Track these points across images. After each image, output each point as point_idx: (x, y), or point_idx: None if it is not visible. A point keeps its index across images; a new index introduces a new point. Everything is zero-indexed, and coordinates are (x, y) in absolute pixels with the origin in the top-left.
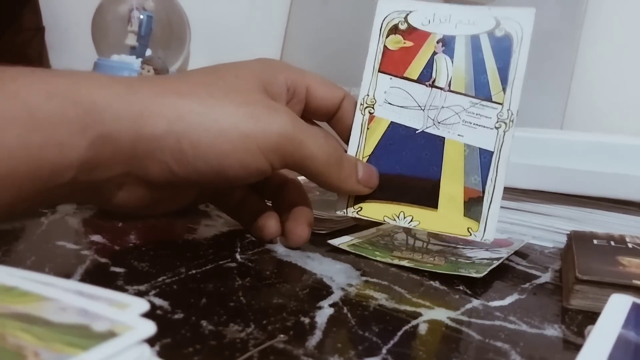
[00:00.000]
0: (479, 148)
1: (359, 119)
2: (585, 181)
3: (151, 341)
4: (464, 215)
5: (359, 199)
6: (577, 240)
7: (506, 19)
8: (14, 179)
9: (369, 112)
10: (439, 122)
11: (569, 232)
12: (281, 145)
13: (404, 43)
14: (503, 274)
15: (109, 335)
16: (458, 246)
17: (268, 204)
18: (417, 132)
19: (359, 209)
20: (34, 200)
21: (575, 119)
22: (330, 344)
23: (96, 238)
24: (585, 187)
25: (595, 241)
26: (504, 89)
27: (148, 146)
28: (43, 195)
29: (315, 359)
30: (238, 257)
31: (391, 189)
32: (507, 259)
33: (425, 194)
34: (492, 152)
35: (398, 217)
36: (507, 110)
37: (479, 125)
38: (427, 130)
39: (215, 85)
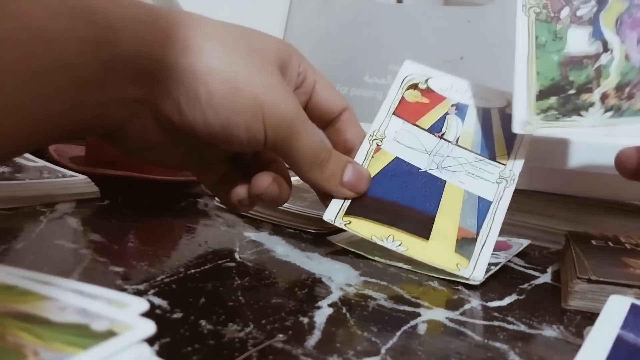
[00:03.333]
0: (478, 196)
1: (365, 147)
2: (584, 183)
3: (150, 340)
4: (455, 251)
5: (351, 213)
6: (575, 240)
7: None
8: (18, 102)
9: (377, 144)
10: (442, 168)
11: (565, 233)
12: (280, 126)
13: (421, 99)
14: (502, 274)
15: (109, 334)
16: None
17: None
18: (419, 170)
19: (348, 222)
20: (42, 129)
21: None
22: (329, 343)
23: (95, 237)
24: (583, 189)
25: (593, 242)
26: (508, 154)
27: (164, 77)
28: (52, 123)
29: (314, 358)
30: (237, 256)
31: (385, 212)
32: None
33: (419, 225)
34: (491, 202)
35: (387, 239)
36: (510, 170)
37: (481, 178)
38: (430, 172)
39: (240, 41)
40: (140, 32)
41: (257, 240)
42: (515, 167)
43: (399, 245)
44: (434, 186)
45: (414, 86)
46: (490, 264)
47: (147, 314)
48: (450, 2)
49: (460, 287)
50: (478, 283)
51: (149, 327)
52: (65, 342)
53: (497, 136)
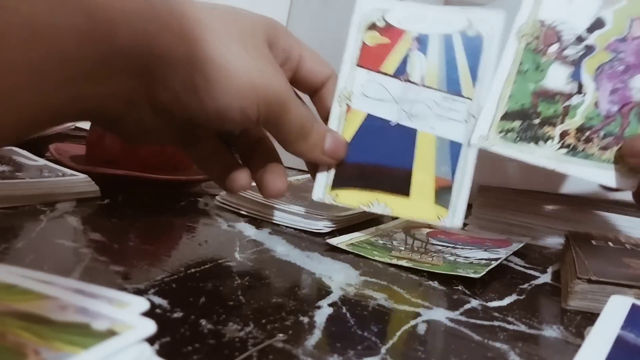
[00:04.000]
0: (450, 140)
1: (336, 110)
2: (584, 183)
3: (151, 340)
4: (435, 203)
5: (336, 186)
6: (575, 240)
7: (478, 20)
8: (15, 94)
9: (347, 104)
10: (412, 115)
11: (565, 233)
12: (272, 103)
13: (382, 39)
14: (502, 274)
15: (109, 334)
16: (457, 246)
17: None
18: (391, 124)
19: (336, 195)
20: (39, 120)
21: None
22: (329, 343)
23: (95, 236)
24: (583, 189)
25: (593, 242)
26: (474, 84)
27: (161, 67)
28: (49, 114)
29: (314, 358)
30: (237, 256)
31: (367, 177)
32: (505, 259)
33: (399, 183)
34: (462, 145)
35: (372, 204)
36: (477, 105)
37: (450, 119)
38: (401, 123)
39: (233, 26)
40: (137, 24)
41: (257, 240)
42: (482, 99)
43: (385, 207)
44: (407, 137)
45: (372, 26)
46: (490, 259)
47: (148, 314)
48: (450, 2)
49: (460, 287)
50: (458, 228)
51: (150, 327)
52: (65, 341)
53: (462, 66)
